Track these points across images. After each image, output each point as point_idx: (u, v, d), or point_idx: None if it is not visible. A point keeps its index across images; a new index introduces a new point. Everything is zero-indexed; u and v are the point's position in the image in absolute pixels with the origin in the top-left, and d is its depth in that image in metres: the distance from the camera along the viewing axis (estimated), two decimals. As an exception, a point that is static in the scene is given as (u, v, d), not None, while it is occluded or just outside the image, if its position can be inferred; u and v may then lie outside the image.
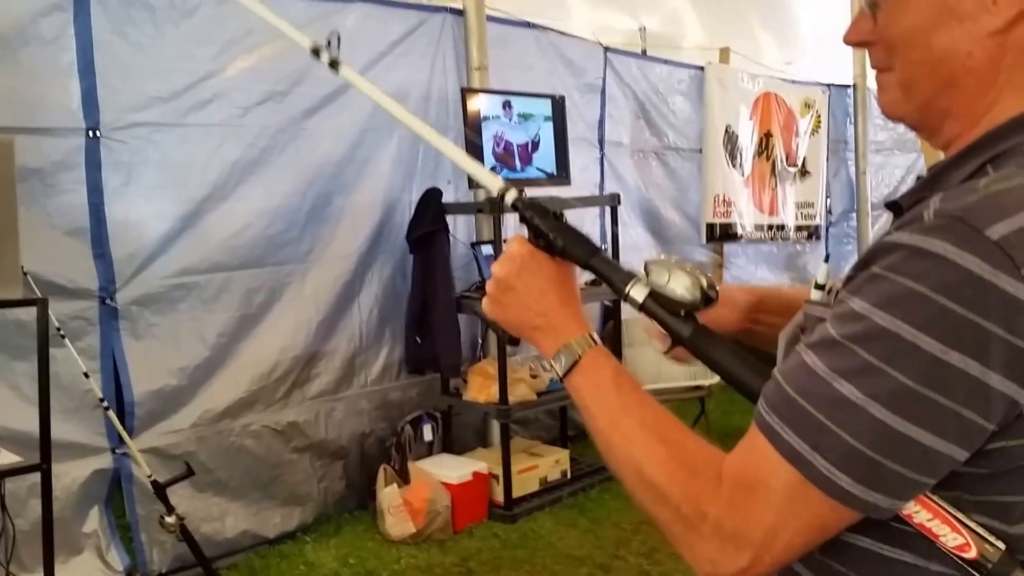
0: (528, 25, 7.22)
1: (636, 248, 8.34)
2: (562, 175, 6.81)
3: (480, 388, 6.19)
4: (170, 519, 4.50)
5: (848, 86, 10.90)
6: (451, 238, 6.35)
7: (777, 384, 1.17)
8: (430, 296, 6.14)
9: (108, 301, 4.91)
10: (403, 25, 6.29)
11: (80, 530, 4.88)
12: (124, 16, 4.91)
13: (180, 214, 5.18)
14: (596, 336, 1.42)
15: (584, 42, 7.81)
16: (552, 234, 1.49)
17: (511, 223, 6.88)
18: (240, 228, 5.42)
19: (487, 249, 6.41)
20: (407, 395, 6.40)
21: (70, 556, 4.79)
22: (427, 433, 6.24)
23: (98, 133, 4.82)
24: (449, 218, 6.37)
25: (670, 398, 6.63)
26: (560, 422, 7.16)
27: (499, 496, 6.06)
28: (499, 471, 6.03)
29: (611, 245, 7.24)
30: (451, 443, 6.41)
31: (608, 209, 7.32)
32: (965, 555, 1.10)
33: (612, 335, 7.02)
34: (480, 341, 6.79)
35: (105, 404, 4.62)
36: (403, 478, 5.88)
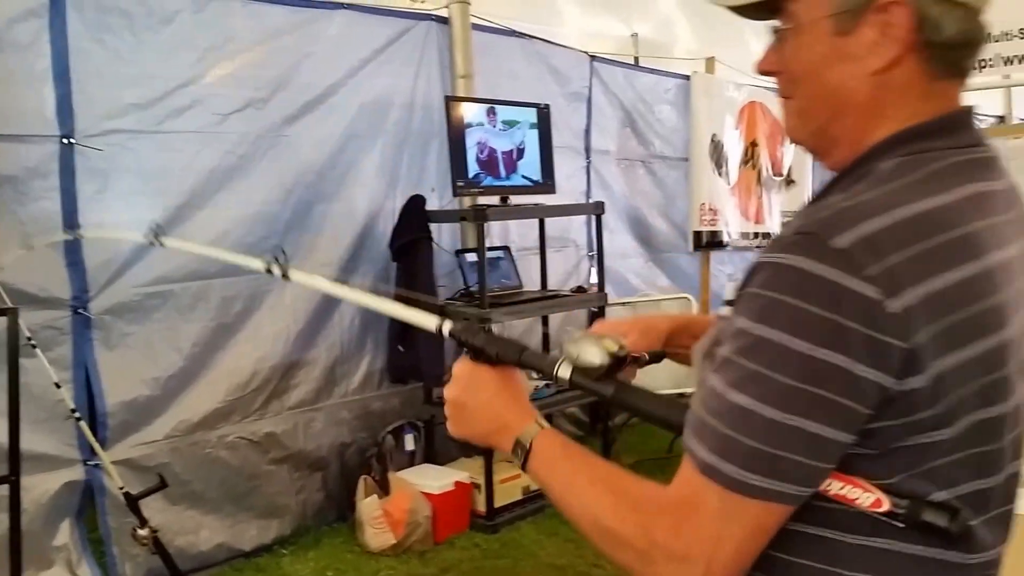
0: (513, 33, 7.06)
1: (623, 255, 8.29)
2: (547, 183, 6.67)
3: (463, 397, 5.96)
4: (143, 532, 4.31)
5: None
6: (435, 246, 6.17)
7: (691, 410, 1.28)
8: (412, 305, 5.89)
9: (81, 310, 4.73)
10: (387, 32, 6.12)
11: (50, 543, 4.68)
12: (101, 23, 4.74)
13: (156, 221, 4.92)
14: (542, 419, 1.54)
15: (570, 50, 7.66)
16: (485, 347, 1.62)
17: (496, 231, 6.75)
18: (218, 236, 5.22)
19: (472, 257, 6.22)
20: (389, 404, 6.22)
21: (40, 570, 4.60)
22: (409, 443, 6.07)
23: (73, 140, 4.64)
24: (433, 226, 6.22)
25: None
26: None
27: (481, 506, 5.89)
28: (481, 481, 5.87)
29: (596, 252, 7.14)
30: (434, 453, 6.24)
31: (593, 217, 7.16)
32: (880, 510, 1.22)
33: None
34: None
35: (77, 415, 4.42)
36: (383, 489, 5.71)
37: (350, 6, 5.86)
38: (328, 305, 5.85)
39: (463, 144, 6.07)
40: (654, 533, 1.26)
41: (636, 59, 8.45)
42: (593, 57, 7.89)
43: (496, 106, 6.35)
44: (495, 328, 6.20)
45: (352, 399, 6.04)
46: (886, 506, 1.22)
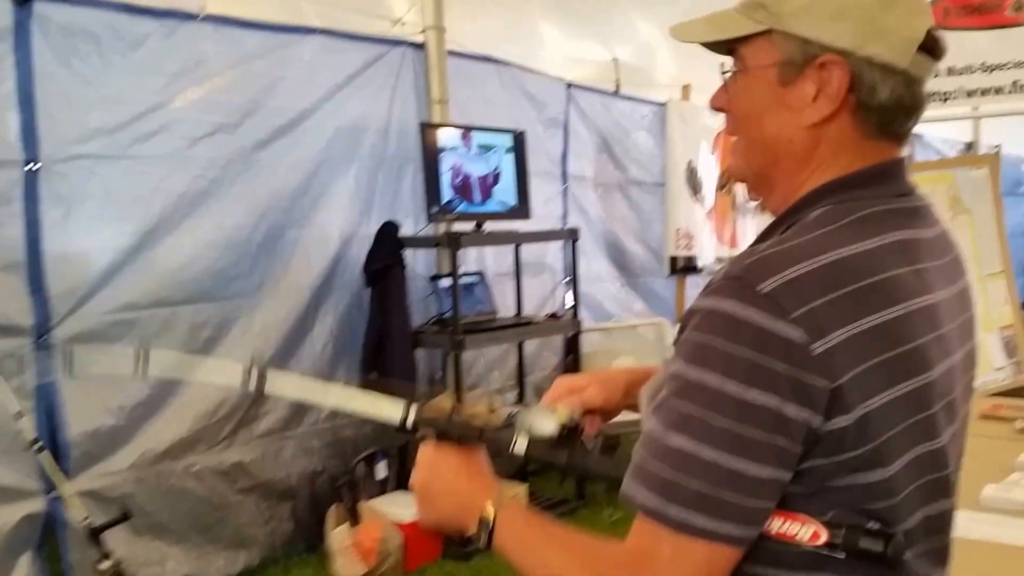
0: (489, 60, 6.92)
1: (600, 280, 8.20)
2: (522, 209, 6.55)
3: (437, 424, 5.81)
4: (104, 566, 4.10)
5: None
6: (408, 272, 6.00)
7: (634, 455, 1.27)
8: (386, 331, 5.82)
9: (44, 338, 4.53)
10: (361, 58, 5.97)
11: (9, 578, 4.50)
12: (68, 46, 4.58)
13: (123, 248, 4.84)
14: (504, 493, 1.52)
15: (546, 78, 7.55)
16: (446, 430, 1.62)
17: (472, 256, 6.61)
18: (186, 261, 5.06)
19: (446, 282, 6.07)
20: (361, 432, 6.00)
21: (-3, 605, 4.41)
22: (381, 471, 5.88)
23: (37, 166, 4.46)
24: (409, 251, 6.07)
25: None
26: (518, 456, 6.77)
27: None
28: (455, 509, 5.65)
29: (572, 278, 7.00)
30: (407, 481, 5.98)
31: (569, 243, 7.05)
32: (819, 542, 1.22)
33: (571, 367, 6.88)
34: (442, 373, 6.42)
35: (39, 445, 4.22)
36: (354, 518, 5.54)
37: (324, 31, 5.70)
38: (301, 330, 5.69)
39: (437, 170, 5.94)
40: None
41: (617, 84, 8.33)
42: (569, 84, 7.79)
43: (472, 131, 6.22)
44: (468, 355, 6.08)
45: (323, 426, 5.84)
46: (824, 538, 1.22)
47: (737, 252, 6.82)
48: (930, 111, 5.70)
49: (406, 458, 6.00)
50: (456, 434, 1.61)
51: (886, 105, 1.34)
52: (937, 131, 11.34)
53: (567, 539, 1.40)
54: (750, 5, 1.40)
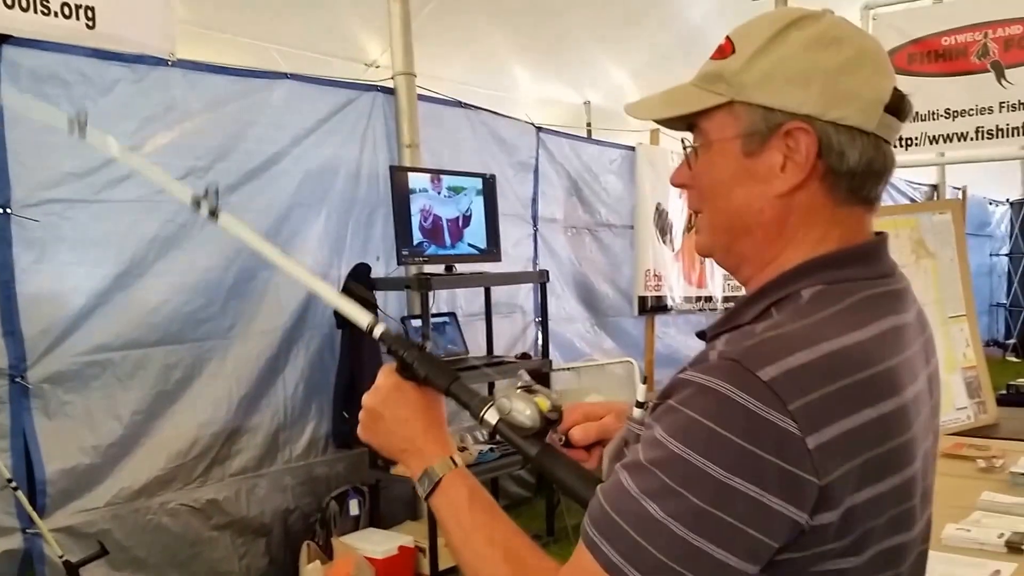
0: (460, 104, 6.96)
1: (570, 320, 8.25)
2: (492, 251, 6.56)
3: (408, 461, 5.82)
4: (82, 601, 4.13)
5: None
6: (380, 313, 6.01)
7: (599, 502, 1.22)
8: (357, 371, 5.80)
9: (18, 379, 4.54)
10: (332, 102, 6.02)
11: (-12, 614, 4.48)
12: (37, 92, 4.57)
13: (95, 291, 4.85)
14: (457, 458, 1.50)
15: (517, 122, 7.60)
16: (415, 364, 1.55)
17: (443, 297, 6.63)
18: (157, 304, 5.08)
19: (417, 323, 6.08)
20: (334, 470, 6.02)
21: (-25, 641, 4.39)
22: (353, 508, 5.86)
23: (9, 210, 4.48)
24: (380, 294, 6.08)
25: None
26: (491, 491, 6.73)
27: (426, 569, 5.68)
28: (426, 544, 5.67)
29: (542, 318, 7.01)
30: (379, 517, 6.03)
31: (538, 284, 7.08)
32: None
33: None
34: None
35: (13, 484, 4.24)
36: (327, 554, 5.53)
37: (293, 76, 5.75)
38: (272, 371, 5.70)
39: (408, 213, 5.95)
40: None
41: (589, 127, 8.40)
42: (539, 128, 7.84)
43: (442, 174, 6.27)
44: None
45: (296, 464, 5.84)
46: None
47: (705, 291, 6.89)
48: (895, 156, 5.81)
49: (378, 496, 6.01)
50: (423, 373, 1.55)
51: (856, 169, 1.29)
52: (902, 173, 11.44)
53: (507, 540, 1.38)
54: (708, 78, 1.36)
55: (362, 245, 6.23)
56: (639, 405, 1.45)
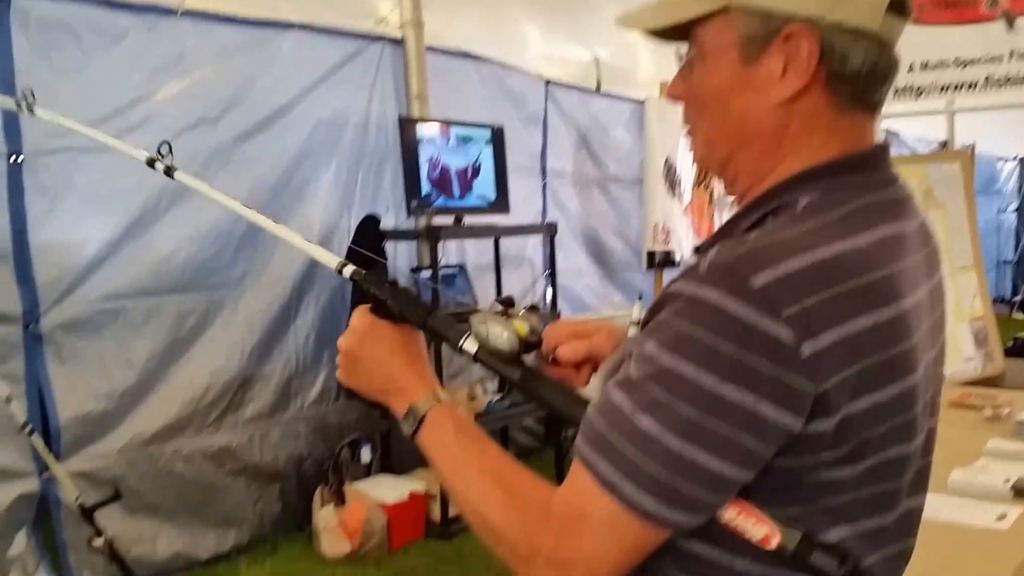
0: (468, 56, 6.93)
1: (579, 273, 8.24)
2: (501, 203, 6.56)
3: (419, 410, 5.85)
4: (98, 542, 4.14)
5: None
6: (390, 265, 6.02)
7: (591, 420, 1.21)
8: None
9: (32, 326, 4.57)
10: (341, 53, 5.97)
11: (6, 553, 4.51)
12: (47, 40, 4.57)
13: (107, 239, 4.86)
14: (440, 391, 1.47)
15: (526, 74, 7.56)
16: (389, 301, 1.52)
17: (452, 249, 6.62)
18: (170, 253, 5.09)
19: (427, 275, 6.08)
20: (345, 418, 6.04)
21: (-5, 580, 4.44)
22: (365, 455, 5.90)
23: (21, 158, 4.48)
24: (390, 244, 6.10)
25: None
26: (501, 442, 6.79)
27: (437, 515, 5.76)
28: (437, 491, 5.71)
29: (551, 271, 7.00)
30: (391, 464, 6.06)
31: (547, 237, 7.08)
32: (769, 547, 1.16)
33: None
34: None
35: (29, 428, 4.25)
36: (340, 499, 5.58)
37: (303, 26, 5.69)
38: (284, 320, 5.72)
39: (416, 164, 5.93)
40: (538, 539, 1.22)
41: (598, 82, 8.35)
42: (548, 82, 7.81)
43: (451, 125, 6.25)
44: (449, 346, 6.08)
45: (308, 413, 5.88)
46: (774, 543, 1.16)
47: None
48: (904, 106, 5.74)
49: (389, 444, 6.04)
50: (398, 309, 1.52)
51: (859, 73, 1.23)
52: (911, 129, 11.38)
53: (497, 468, 1.34)
54: None
55: (372, 195, 6.23)
56: (636, 324, 1.39)
